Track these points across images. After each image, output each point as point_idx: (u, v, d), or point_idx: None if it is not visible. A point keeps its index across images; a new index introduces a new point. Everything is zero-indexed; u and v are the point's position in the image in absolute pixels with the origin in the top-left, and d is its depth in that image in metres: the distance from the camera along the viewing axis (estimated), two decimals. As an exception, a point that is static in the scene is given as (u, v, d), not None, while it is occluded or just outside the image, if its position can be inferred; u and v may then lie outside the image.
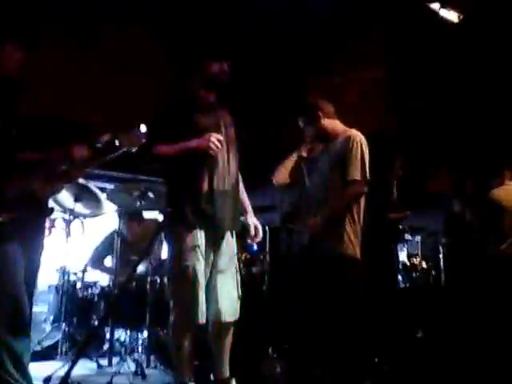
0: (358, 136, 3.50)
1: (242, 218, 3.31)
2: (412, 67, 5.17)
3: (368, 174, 3.48)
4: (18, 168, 2.52)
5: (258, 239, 3.34)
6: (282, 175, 3.71)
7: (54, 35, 4.63)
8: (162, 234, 3.15)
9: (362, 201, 3.54)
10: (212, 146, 2.96)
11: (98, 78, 5.16)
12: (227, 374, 3.14)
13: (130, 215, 4.71)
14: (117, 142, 2.70)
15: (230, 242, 3.15)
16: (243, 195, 3.37)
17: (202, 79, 3.14)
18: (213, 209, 3.03)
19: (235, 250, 3.20)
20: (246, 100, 3.20)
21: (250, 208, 3.38)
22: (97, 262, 4.85)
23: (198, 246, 2.99)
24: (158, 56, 5.57)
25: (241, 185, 3.36)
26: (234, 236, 3.20)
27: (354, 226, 3.46)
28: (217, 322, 3.06)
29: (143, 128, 2.78)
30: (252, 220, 3.33)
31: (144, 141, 2.79)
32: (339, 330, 3.44)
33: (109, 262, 4.89)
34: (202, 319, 2.97)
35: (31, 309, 4.20)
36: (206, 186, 3.03)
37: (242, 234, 3.31)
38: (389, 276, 4.47)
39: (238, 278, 3.17)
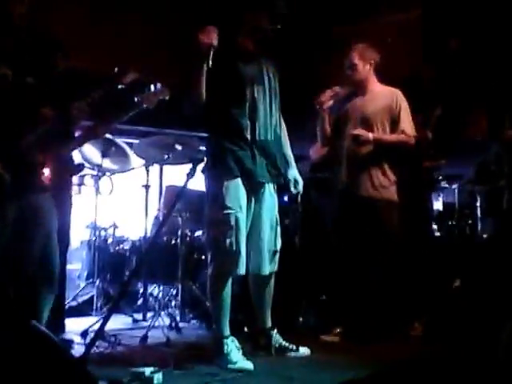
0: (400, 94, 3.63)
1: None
2: (449, 5, 4.92)
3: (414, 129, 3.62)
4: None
5: (298, 192, 3.33)
6: (317, 151, 3.89)
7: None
8: (204, 182, 3.11)
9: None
10: (203, 40, 2.81)
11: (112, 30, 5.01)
12: (269, 324, 3.20)
13: None
14: (136, 99, 2.73)
15: (271, 194, 3.14)
16: (286, 147, 3.31)
17: (249, 29, 3.06)
18: (254, 159, 3.01)
19: (276, 202, 3.18)
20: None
21: (292, 160, 3.33)
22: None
23: (240, 195, 2.97)
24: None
25: (285, 137, 3.31)
26: (276, 188, 3.18)
27: (392, 170, 3.60)
28: (257, 274, 3.08)
29: (159, 85, 2.80)
30: (292, 173, 3.30)
31: (162, 98, 2.79)
32: (377, 275, 3.52)
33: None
34: (243, 270, 2.97)
35: (65, 265, 4.24)
36: (248, 136, 3.01)
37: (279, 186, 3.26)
38: (423, 224, 4.38)
39: (279, 230, 3.16)
